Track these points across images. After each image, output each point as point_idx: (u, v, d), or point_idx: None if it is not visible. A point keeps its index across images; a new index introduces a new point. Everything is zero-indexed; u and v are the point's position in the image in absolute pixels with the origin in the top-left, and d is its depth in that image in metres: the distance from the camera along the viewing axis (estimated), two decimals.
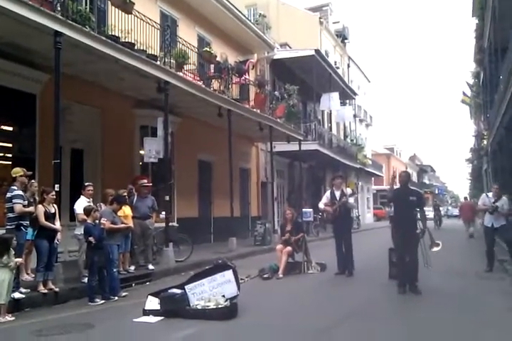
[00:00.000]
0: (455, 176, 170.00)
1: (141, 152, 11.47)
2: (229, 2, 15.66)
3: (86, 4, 9.68)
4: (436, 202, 34.63)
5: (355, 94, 29.57)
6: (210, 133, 14.72)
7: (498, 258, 11.35)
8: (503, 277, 8.47)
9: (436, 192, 78.11)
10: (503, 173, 14.61)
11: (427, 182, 75.79)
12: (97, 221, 6.98)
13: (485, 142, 21.81)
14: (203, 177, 15.35)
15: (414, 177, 67.83)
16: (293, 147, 18.04)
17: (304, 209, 17.86)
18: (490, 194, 9.48)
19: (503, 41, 12.21)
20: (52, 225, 6.76)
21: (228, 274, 6.15)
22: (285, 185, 22.52)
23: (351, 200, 9.13)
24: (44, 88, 8.90)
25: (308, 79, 21.90)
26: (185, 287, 5.99)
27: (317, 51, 20.84)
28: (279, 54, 20.99)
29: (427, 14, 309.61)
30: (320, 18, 28.27)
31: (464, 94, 27.22)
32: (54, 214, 6.87)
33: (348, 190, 9.36)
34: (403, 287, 7.01)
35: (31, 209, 6.68)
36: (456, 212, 56.22)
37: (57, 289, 6.76)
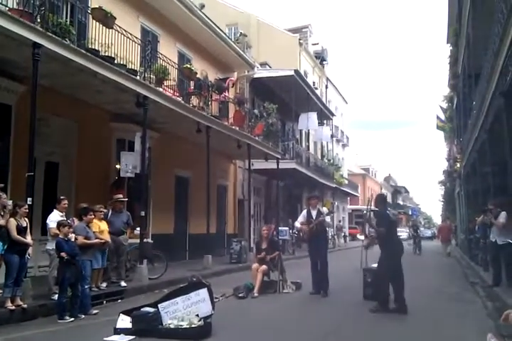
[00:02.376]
0: (428, 197, 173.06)
1: (118, 166, 11.34)
2: (210, 20, 15.84)
3: (67, 17, 9.65)
4: (414, 221, 31.78)
5: (332, 114, 30.00)
6: (188, 149, 14.67)
7: (469, 280, 11.50)
8: (475, 300, 8.54)
9: (410, 213, 79.15)
10: (476, 196, 14.89)
11: (401, 203, 76.86)
12: (70, 235, 6.82)
13: (458, 165, 22.27)
14: (180, 193, 15.22)
15: (389, 198, 68.77)
16: (271, 165, 18.10)
17: (280, 228, 17.83)
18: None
19: (476, 67, 12.58)
20: (24, 239, 6.56)
21: (203, 293, 6.03)
22: (262, 203, 22.50)
23: (328, 219, 9.15)
24: (20, 99, 8.75)
25: (287, 98, 22.15)
26: (159, 305, 5.86)
27: (296, 71, 21.15)
28: (259, 73, 21.22)
29: (404, 39, 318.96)
30: (300, 39, 28.83)
31: (438, 117, 27.87)
32: (26, 228, 6.68)
33: (324, 209, 9.38)
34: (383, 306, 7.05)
35: (2, 222, 6.48)
36: (428, 233, 57.02)
37: (25, 305, 6.52)
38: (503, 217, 9.00)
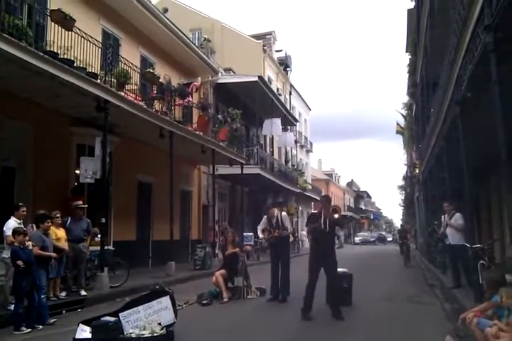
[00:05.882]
0: (389, 202, 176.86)
1: (77, 172, 11.05)
2: (173, 24, 15.74)
3: (24, 18, 9.37)
4: (403, 227, 26.03)
5: (296, 120, 30.29)
6: (151, 154, 14.46)
7: (428, 282, 11.78)
8: (434, 302, 8.72)
9: (372, 217, 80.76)
10: (434, 201, 15.30)
11: (363, 207, 78.20)
12: (27, 243, 6.58)
13: (417, 171, 22.86)
14: (142, 198, 14.97)
15: (352, 203, 69.89)
16: (235, 170, 18.09)
17: (244, 233, 17.80)
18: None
19: (434, 76, 12.94)
20: None
21: (165, 301, 5.94)
22: (226, 209, 22.42)
23: (290, 229, 9.15)
24: None
25: (251, 104, 22.23)
26: (120, 314, 5.71)
27: (260, 78, 21.26)
28: (223, 78, 21.22)
29: (366, 47, 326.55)
30: (264, 45, 29.06)
31: (398, 124, 28.67)
32: None
33: (283, 214, 9.42)
34: (308, 312, 7.00)
35: None
36: (390, 237, 58.30)
37: None
38: (460, 218, 9.15)
